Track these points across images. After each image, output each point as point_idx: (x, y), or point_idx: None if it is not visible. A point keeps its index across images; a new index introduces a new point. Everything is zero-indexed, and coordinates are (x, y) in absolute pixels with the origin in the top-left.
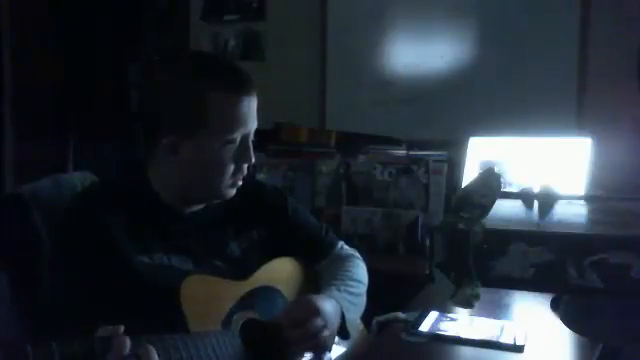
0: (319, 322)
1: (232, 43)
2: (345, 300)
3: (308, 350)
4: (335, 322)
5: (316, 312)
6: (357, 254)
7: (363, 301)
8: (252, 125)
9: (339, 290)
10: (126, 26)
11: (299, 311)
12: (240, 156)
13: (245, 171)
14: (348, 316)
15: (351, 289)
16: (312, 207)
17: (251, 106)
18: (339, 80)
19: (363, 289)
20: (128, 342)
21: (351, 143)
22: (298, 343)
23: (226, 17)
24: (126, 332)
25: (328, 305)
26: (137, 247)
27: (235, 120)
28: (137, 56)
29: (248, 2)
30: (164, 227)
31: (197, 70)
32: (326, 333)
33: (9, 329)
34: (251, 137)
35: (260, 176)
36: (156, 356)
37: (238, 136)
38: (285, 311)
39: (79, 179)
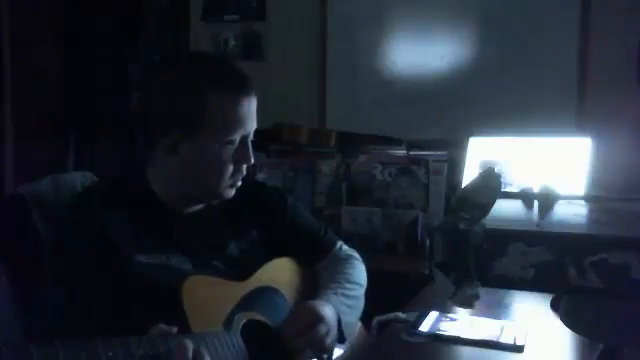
0: (323, 329)
1: (232, 43)
2: (342, 304)
3: (311, 355)
4: (334, 327)
5: (319, 319)
6: (356, 255)
7: (361, 303)
8: (251, 126)
9: (336, 294)
10: (126, 26)
11: (303, 319)
12: (239, 157)
13: (244, 172)
14: (345, 319)
15: (348, 292)
16: (312, 207)
17: (250, 107)
18: (339, 80)
19: (361, 291)
20: (190, 346)
21: (351, 143)
22: (302, 350)
23: (226, 17)
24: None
25: (327, 310)
26: (136, 247)
27: (234, 121)
28: (137, 56)
29: (248, 2)
30: (163, 227)
31: (197, 70)
32: (329, 339)
33: (9, 329)
34: (250, 138)
35: (260, 176)
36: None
37: (237, 137)
38: (288, 319)
39: (79, 179)
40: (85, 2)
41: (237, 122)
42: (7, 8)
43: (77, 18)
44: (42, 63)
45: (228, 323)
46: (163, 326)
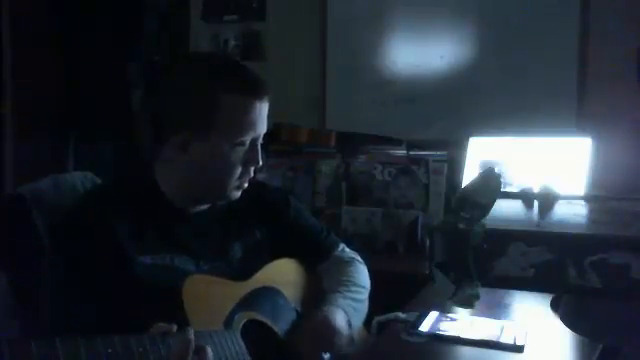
0: (341, 341)
1: (232, 43)
2: (350, 307)
3: None
4: (347, 333)
5: (336, 333)
6: (359, 257)
7: (366, 306)
8: (262, 129)
9: (344, 298)
10: (126, 26)
11: (320, 334)
12: (248, 159)
13: (252, 174)
14: (353, 322)
15: (355, 295)
16: (312, 207)
17: (263, 110)
18: (339, 80)
19: (366, 294)
20: (192, 341)
21: (351, 143)
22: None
23: (226, 17)
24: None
25: (339, 318)
26: (140, 247)
27: (247, 123)
28: (137, 56)
29: (248, 2)
30: (168, 227)
31: (214, 71)
32: (342, 347)
33: (9, 329)
34: (260, 141)
35: (260, 176)
36: (212, 356)
37: (248, 139)
38: (305, 335)
39: (79, 179)
40: (85, 2)
41: (249, 125)
42: (7, 8)
43: (77, 18)
44: (42, 63)
45: (228, 322)
46: (163, 325)
